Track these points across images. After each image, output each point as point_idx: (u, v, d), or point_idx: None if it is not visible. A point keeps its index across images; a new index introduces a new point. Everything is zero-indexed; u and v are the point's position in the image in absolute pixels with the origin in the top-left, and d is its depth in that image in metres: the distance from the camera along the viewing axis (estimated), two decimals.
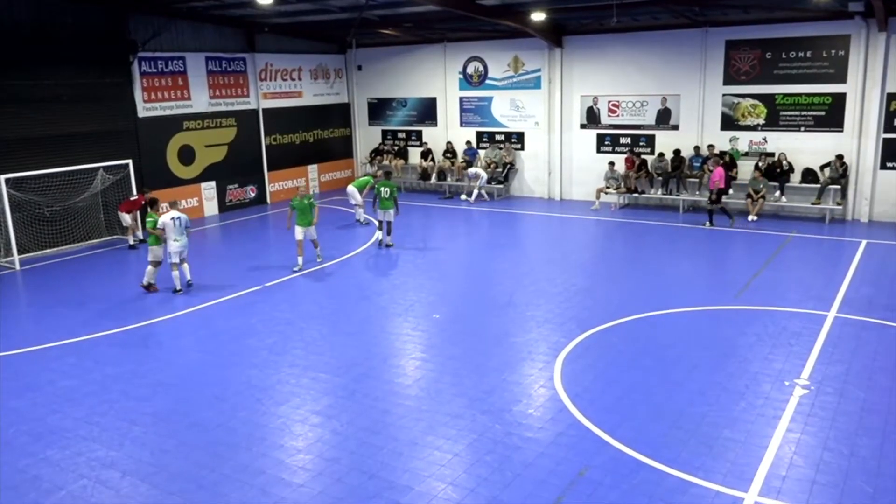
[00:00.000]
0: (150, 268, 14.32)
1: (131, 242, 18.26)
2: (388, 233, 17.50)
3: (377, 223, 18.33)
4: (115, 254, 17.92)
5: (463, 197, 23.08)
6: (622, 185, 21.68)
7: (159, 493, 7.41)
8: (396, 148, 26.51)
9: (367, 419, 8.89)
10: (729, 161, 20.24)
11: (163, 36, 20.36)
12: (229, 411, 9.19)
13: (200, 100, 22.00)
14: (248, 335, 11.94)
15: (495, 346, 11.21)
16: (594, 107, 22.58)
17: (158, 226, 13.99)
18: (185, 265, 14.35)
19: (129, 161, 18.82)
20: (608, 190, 21.77)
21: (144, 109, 20.47)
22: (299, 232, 15.26)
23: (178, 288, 14.19)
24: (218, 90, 22.50)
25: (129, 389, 9.94)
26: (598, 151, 22.61)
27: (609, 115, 22.39)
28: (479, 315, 12.68)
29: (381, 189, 17.15)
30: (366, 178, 20.98)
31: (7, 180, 16.40)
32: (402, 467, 7.76)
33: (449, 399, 9.36)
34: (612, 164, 21.79)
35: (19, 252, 16.73)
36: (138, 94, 20.26)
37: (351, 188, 20.57)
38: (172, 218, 13.92)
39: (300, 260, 15.44)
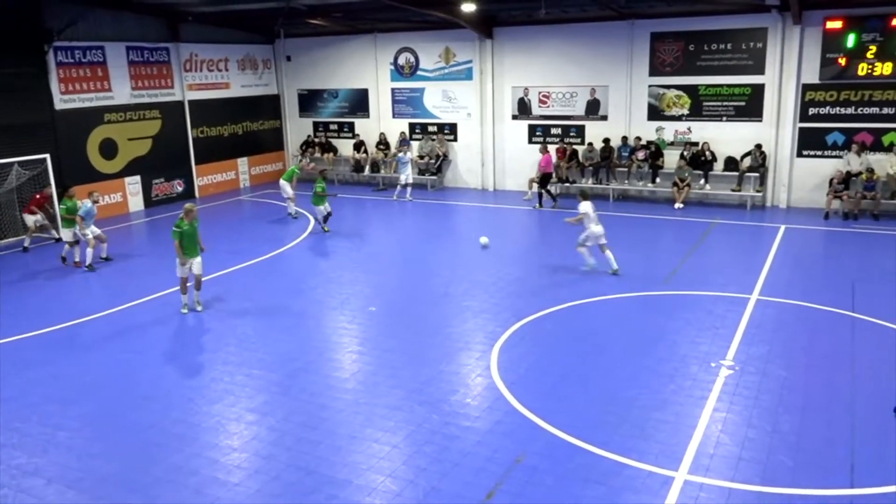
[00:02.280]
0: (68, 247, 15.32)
1: (26, 245, 17.18)
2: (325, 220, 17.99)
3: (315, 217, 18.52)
4: (34, 252, 17.11)
5: (395, 197, 22.50)
6: (553, 175, 21.97)
7: (87, 499, 7.16)
8: (327, 140, 26.16)
9: (303, 414, 8.79)
10: (655, 150, 20.81)
11: (80, 24, 19.49)
12: (160, 412, 8.94)
13: (122, 91, 21.20)
14: (179, 334, 11.64)
15: (432, 337, 11.24)
16: (525, 98, 22.82)
17: (80, 213, 15.24)
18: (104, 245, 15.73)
19: (47, 155, 17.99)
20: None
21: (62, 101, 19.59)
22: (184, 268, 12.37)
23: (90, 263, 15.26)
24: (140, 81, 21.73)
25: (52, 393, 9.54)
26: (530, 142, 22.87)
27: (540, 106, 22.67)
28: (416, 307, 12.68)
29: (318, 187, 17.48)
30: (291, 168, 20.68)
31: None
32: (341, 461, 7.71)
33: (386, 391, 9.34)
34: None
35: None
36: (55, 86, 19.38)
37: (282, 182, 20.23)
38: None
39: (184, 298, 12.62)
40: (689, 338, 10.80)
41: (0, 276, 15.11)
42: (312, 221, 18.96)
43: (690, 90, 20.51)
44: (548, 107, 22.57)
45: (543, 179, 20.69)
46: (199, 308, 12.59)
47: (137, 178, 21.83)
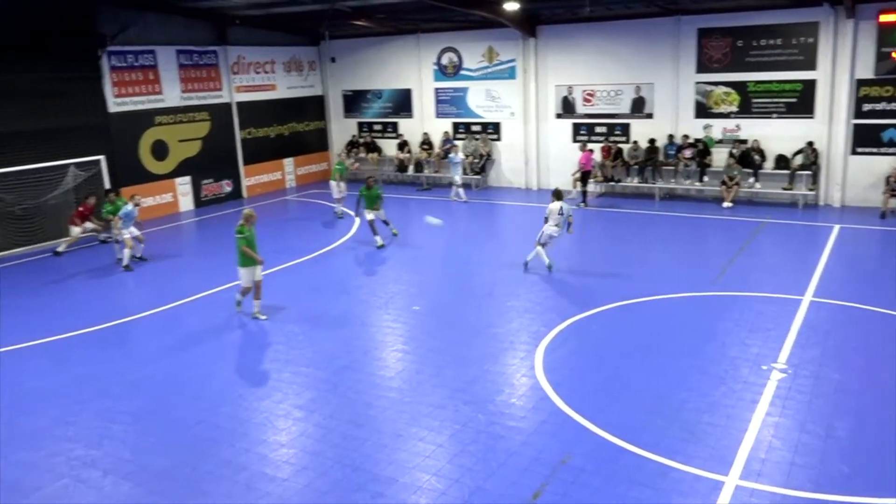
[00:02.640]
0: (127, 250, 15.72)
1: (59, 249, 17.34)
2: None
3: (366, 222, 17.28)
4: (87, 252, 17.63)
5: (453, 197, 22.06)
6: (599, 174, 21.79)
7: (142, 492, 7.34)
8: (371, 140, 26.35)
9: (349, 412, 8.87)
10: (703, 148, 20.46)
11: (132, 29, 20.01)
12: (211, 408, 9.11)
13: (172, 94, 21.70)
14: (228, 331, 11.85)
15: (476, 336, 11.24)
16: (569, 96, 22.65)
17: (119, 214, 15.79)
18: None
19: (102, 157, 18.51)
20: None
21: (115, 104, 20.14)
22: (246, 275, 12.28)
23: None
24: (190, 84, 22.21)
25: (104, 388, 9.81)
26: (574, 141, 22.68)
27: (584, 105, 22.48)
28: (460, 306, 12.70)
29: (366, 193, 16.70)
30: (337, 166, 20.62)
31: None
32: (386, 459, 7.76)
33: (431, 390, 9.37)
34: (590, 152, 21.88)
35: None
36: (108, 89, 19.94)
37: (331, 182, 20.32)
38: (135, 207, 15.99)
39: (237, 297, 12.70)
40: (740, 339, 10.58)
41: (48, 276, 15.60)
42: (356, 221, 19.09)
43: (739, 87, 20.09)
44: (592, 105, 22.36)
45: (583, 177, 20.56)
46: (262, 317, 12.18)
47: (188, 178, 22.31)
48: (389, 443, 8.10)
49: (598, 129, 22.40)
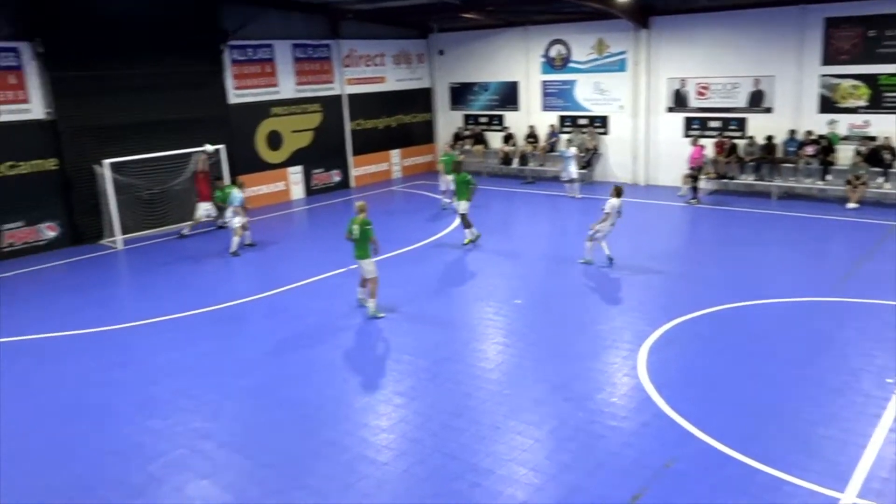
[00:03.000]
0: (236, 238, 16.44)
1: (185, 232, 18.46)
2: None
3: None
4: (209, 235, 18.64)
5: (570, 193, 21.32)
6: (711, 170, 20.98)
7: (252, 465, 7.73)
8: (476, 133, 26.44)
9: (449, 402, 8.98)
10: (826, 145, 19.29)
11: (252, 25, 20.92)
12: (316, 389, 9.46)
13: (287, 86, 22.55)
14: (333, 317, 12.23)
15: (578, 333, 11.11)
16: (682, 89, 21.89)
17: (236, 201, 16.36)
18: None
19: (221, 146, 19.51)
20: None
21: (234, 96, 21.15)
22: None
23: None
24: (304, 76, 23.00)
25: (222, 365, 10.37)
26: (686, 135, 21.92)
27: (697, 98, 21.67)
28: (562, 301, 12.58)
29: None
30: (448, 157, 20.43)
31: (111, 164, 17.29)
32: (485, 450, 7.81)
33: (531, 385, 9.35)
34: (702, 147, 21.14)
35: (122, 233, 17.65)
36: (229, 82, 20.95)
37: (443, 177, 20.08)
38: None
39: (359, 291, 12.63)
40: (863, 350, 9.95)
41: (173, 258, 16.59)
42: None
43: (869, 80, 18.78)
44: (706, 98, 21.52)
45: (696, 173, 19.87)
46: (380, 315, 11.92)
47: (299, 168, 23.16)
48: (487, 434, 8.15)
49: (712, 124, 21.54)
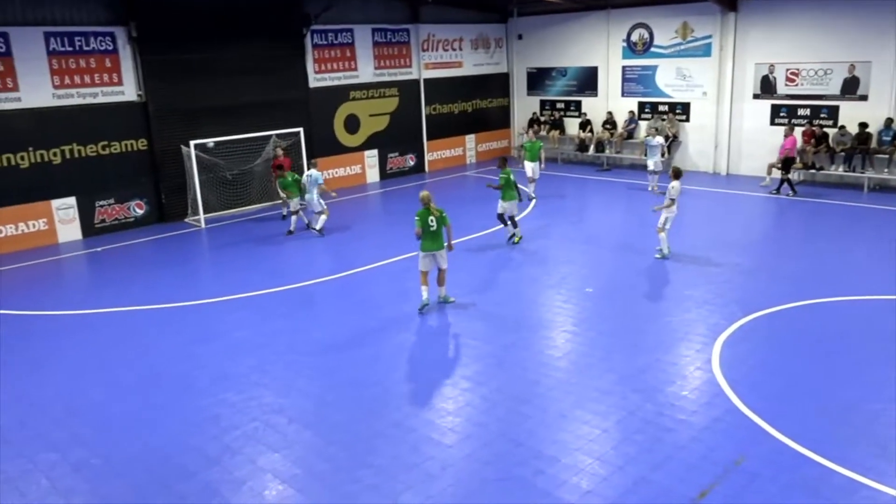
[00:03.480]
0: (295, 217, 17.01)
1: (285, 213, 18.40)
2: (515, 225, 15.34)
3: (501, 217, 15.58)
4: (267, 219, 19.13)
5: (651, 188, 20.01)
6: (798, 160, 20.10)
7: (321, 442, 7.95)
8: (553, 118, 26.13)
9: (515, 388, 8.99)
10: None
11: (334, 9, 21.24)
12: (384, 371, 9.63)
13: (366, 70, 22.83)
14: (403, 300, 12.38)
15: (650, 323, 10.90)
16: (770, 75, 21.00)
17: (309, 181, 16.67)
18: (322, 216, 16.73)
19: (301, 129, 19.95)
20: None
21: (315, 80, 21.55)
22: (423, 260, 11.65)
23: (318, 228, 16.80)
24: (382, 61, 23.23)
25: (294, 344, 10.68)
26: (773, 123, 21.06)
27: (786, 85, 20.75)
28: (634, 291, 12.35)
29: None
30: (534, 144, 19.53)
31: (196, 145, 17.96)
32: (550, 438, 7.79)
33: (599, 374, 9.25)
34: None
35: (204, 211, 18.33)
36: (310, 66, 21.36)
37: (527, 163, 19.45)
38: (307, 175, 16.66)
39: (424, 290, 11.81)
40: None
41: (256, 236, 17.12)
42: (533, 201, 19.06)
43: None
44: (796, 85, 20.59)
45: (786, 164, 19.01)
46: (451, 299, 11.91)
47: (375, 151, 23.46)
48: (553, 422, 8.12)
49: (801, 112, 20.60)
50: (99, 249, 15.53)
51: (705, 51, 22.14)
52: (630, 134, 23.83)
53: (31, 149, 16.58)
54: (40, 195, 16.82)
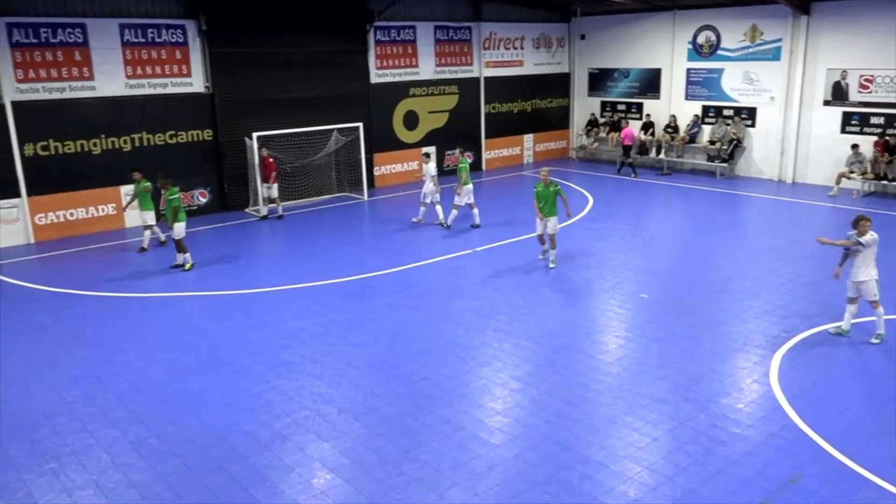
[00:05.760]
0: None
1: (263, 213, 18.41)
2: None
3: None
4: (343, 209, 19.41)
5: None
6: (868, 170, 19.39)
7: (369, 433, 8.03)
8: (613, 120, 25.78)
9: (565, 391, 8.92)
10: None
11: (397, 6, 21.40)
12: (434, 366, 9.67)
13: (427, 67, 22.93)
14: (456, 296, 12.42)
15: (706, 332, 10.67)
16: (842, 81, 20.29)
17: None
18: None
19: (360, 124, 20.16)
20: (851, 175, 19.58)
21: (376, 76, 21.75)
22: (539, 224, 13.79)
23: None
24: (443, 58, 23.29)
25: (347, 335, 10.81)
26: (843, 132, 20.34)
27: (860, 92, 20.01)
28: (690, 299, 12.10)
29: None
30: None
31: (258, 138, 18.34)
32: (598, 444, 7.71)
33: (651, 382, 9.10)
34: (855, 146, 19.58)
35: (264, 203, 18.70)
36: (372, 62, 21.56)
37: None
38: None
39: (543, 248, 14.14)
40: None
41: (314, 229, 17.40)
42: (590, 202, 18.83)
43: None
44: (869, 92, 19.83)
45: (625, 151, 18.93)
46: (552, 265, 13.68)
47: (433, 148, 23.47)
48: (602, 428, 8.03)
49: (874, 120, 19.85)
50: (163, 237, 16.00)
51: (774, 54, 21.53)
52: (693, 138, 23.35)
53: (103, 136, 17.20)
54: (110, 181, 17.42)
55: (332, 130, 19.92)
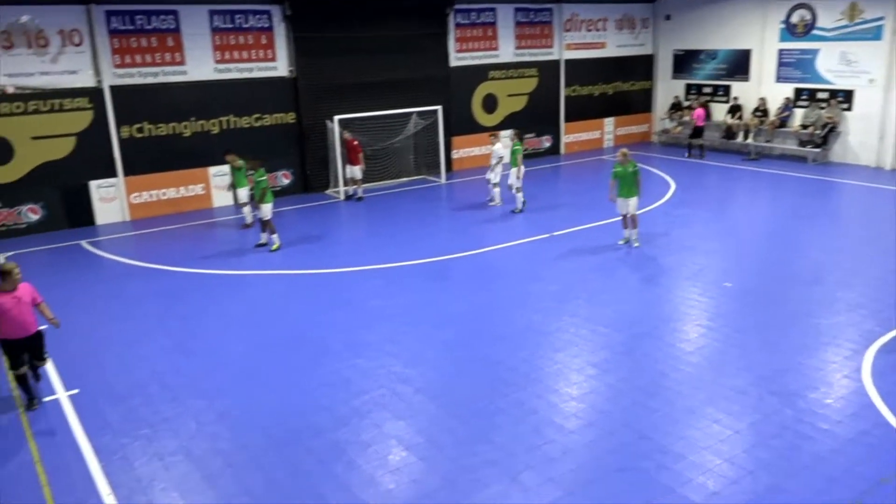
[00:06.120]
0: None
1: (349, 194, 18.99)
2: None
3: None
4: (421, 192, 19.57)
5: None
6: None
7: (444, 414, 8.12)
8: (704, 103, 24.93)
9: (643, 379, 8.77)
10: None
11: None
12: (510, 349, 9.67)
13: (507, 50, 22.74)
14: (533, 280, 12.36)
15: (793, 324, 10.26)
16: None
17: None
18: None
19: (439, 107, 20.22)
20: None
21: (456, 59, 21.73)
22: (621, 205, 13.74)
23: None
24: (523, 41, 23.05)
25: (424, 316, 10.93)
26: None
27: None
28: (777, 289, 11.65)
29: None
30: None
31: (339, 121, 18.65)
32: (677, 434, 7.55)
33: (734, 373, 8.84)
34: None
35: (345, 184, 19.04)
36: (451, 45, 21.54)
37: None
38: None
39: (625, 232, 14.06)
40: None
41: (393, 210, 17.61)
42: (672, 187, 18.34)
43: None
44: None
45: (696, 132, 17.95)
46: (635, 244, 13.85)
47: (510, 132, 23.36)
48: (681, 418, 7.87)
49: None
50: (249, 219, 16.54)
51: (875, 34, 20.32)
52: (783, 122, 22.37)
53: (192, 119, 17.87)
54: (199, 162, 18.12)
55: (411, 114, 20.07)
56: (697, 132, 22.94)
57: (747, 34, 23.38)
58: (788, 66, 22.60)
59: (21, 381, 8.40)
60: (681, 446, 7.33)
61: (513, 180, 16.59)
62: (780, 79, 22.86)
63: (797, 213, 16.68)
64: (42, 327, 8.63)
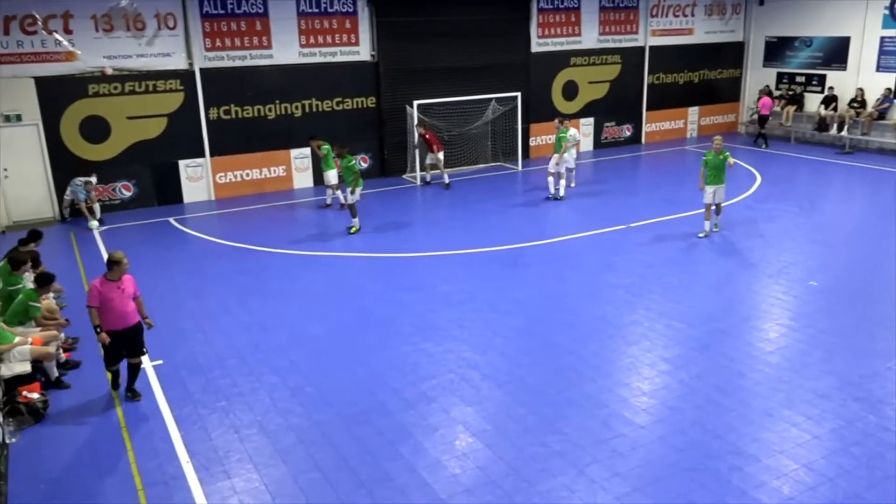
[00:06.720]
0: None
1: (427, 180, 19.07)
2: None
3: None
4: (497, 179, 19.51)
5: None
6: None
7: (511, 402, 8.13)
8: (792, 93, 23.87)
9: (718, 377, 8.53)
10: None
11: None
12: (581, 340, 9.57)
13: (590, 36, 22.32)
14: (608, 272, 12.17)
15: (883, 328, 9.75)
16: None
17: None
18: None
19: (519, 94, 20.06)
20: None
21: (537, 45, 21.47)
22: (709, 194, 13.59)
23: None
24: (608, 27, 22.57)
25: (495, 302, 10.93)
26: None
27: None
28: (868, 290, 11.09)
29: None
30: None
31: (418, 106, 18.77)
32: (751, 435, 7.32)
33: (816, 375, 8.49)
34: None
35: (422, 169, 19.17)
36: (533, 30, 21.30)
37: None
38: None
39: (707, 225, 13.83)
40: None
41: (471, 196, 17.63)
42: (758, 179, 17.67)
43: None
44: None
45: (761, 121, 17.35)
46: (716, 229, 13.91)
47: (591, 119, 23.01)
48: (757, 419, 7.61)
49: None
50: (329, 200, 16.86)
51: None
52: (882, 114, 21.17)
53: (277, 101, 18.32)
54: (281, 144, 18.59)
55: (490, 100, 19.98)
56: (762, 121, 22.27)
57: (847, 20, 22.18)
58: (891, 54, 21.33)
59: (114, 376, 8.50)
60: (755, 448, 7.10)
61: (552, 167, 16.72)
62: (882, 68, 21.61)
63: (892, 211, 15.78)
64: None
